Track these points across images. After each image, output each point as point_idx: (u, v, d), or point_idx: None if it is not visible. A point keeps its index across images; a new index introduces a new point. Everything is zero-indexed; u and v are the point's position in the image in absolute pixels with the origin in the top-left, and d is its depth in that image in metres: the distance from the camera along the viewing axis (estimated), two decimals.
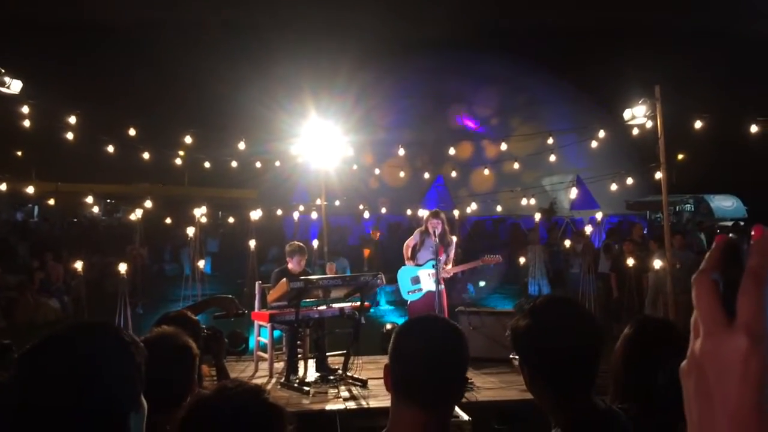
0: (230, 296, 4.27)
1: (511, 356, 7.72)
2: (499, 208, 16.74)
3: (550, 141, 11.60)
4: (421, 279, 8.16)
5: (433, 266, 7.87)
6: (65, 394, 1.39)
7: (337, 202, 15.62)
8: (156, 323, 3.38)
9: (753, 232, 0.61)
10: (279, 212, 16.72)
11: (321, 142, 11.43)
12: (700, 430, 0.60)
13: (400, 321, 10.50)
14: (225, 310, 4.19)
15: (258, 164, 13.12)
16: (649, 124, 9.22)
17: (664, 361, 2.19)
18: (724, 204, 23.05)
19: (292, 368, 7.25)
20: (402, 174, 15.67)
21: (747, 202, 23.15)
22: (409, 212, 17.89)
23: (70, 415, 1.38)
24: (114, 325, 1.68)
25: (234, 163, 12.52)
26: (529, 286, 12.76)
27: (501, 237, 22.93)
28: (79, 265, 7.95)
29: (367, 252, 16.29)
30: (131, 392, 1.50)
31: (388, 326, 10.13)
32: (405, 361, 1.82)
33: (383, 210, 18.86)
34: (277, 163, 13.03)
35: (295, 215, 16.22)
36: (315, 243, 11.86)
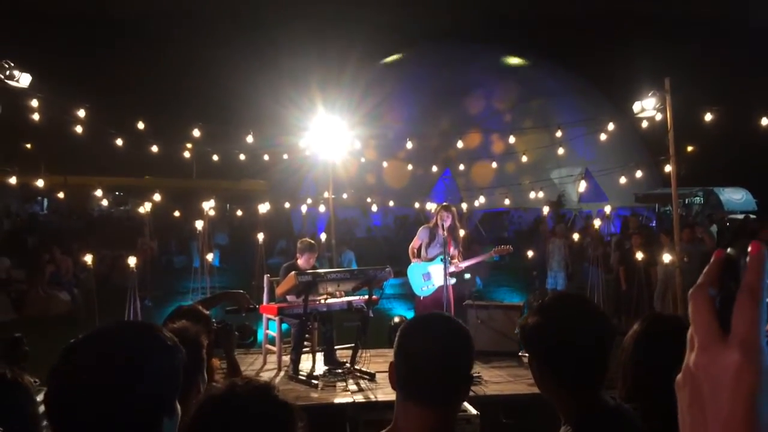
0: (242, 291, 4.30)
1: (520, 353, 7.74)
2: (507, 201, 16.73)
3: (559, 134, 11.53)
4: (433, 275, 8.06)
5: (442, 260, 7.82)
6: (105, 391, 1.38)
7: (344, 195, 15.62)
8: (169, 317, 3.41)
9: (750, 248, 0.62)
10: (287, 205, 16.74)
11: (329, 136, 11.44)
12: None
13: (408, 314, 10.52)
14: (237, 305, 4.21)
15: (266, 157, 13.15)
16: (658, 117, 9.15)
17: (674, 359, 2.18)
18: (734, 197, 22.91)
19: (298, 361, 7.28)
20: (410, 167, 15.63)
21: (757, 194, 23.02)
22: (417, 205, 17.85)
23: (106, 413, 1.38)
24: (159, 327, 1.66)
25: (242, 156, 12.54)
26: (548, 279, 12.67)
27: (510, 231, 22.95)
28: (89, 258, 7.99)
29: None
30: (169, 396, 1.49)
31: (396, 319, 10.16)
32: (410, 359, 1.82)
33: (391, 203, 18.84)
34: (285, 156, 13.07)
35: (303, 208, 16.22)
36: (323, 236, 11.87)
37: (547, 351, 1.98)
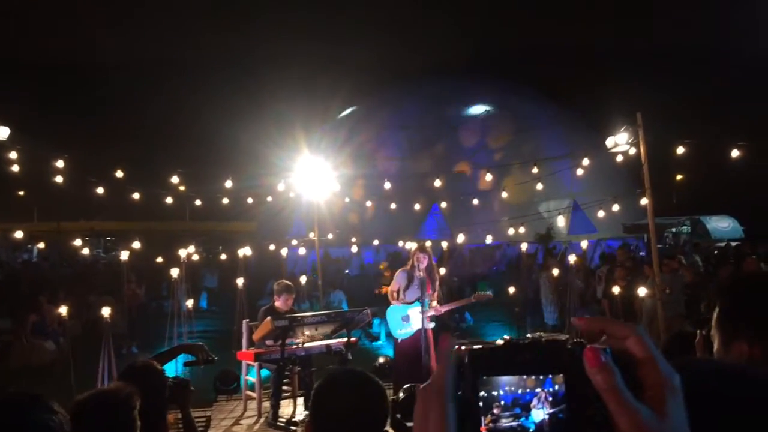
0: (200, 343, 4.30)
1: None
2: (489, 239, 16.81)
3: (535, 170, 11.66)
4: (411, 317, 7.96)
5: (421, 303, 7.78)
6: None
7: (330, 235, 15.67)
8: (120, 374, 3.42)
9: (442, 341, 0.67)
10: (272, 247, 16.76)
11: (315, 176, 11.52)
12: None
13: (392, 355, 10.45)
14: (195, 357, 4.20)
15: (249, 200, 13.25)
16: (632, 151, 9.25)
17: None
18: (721, 225, 23.05)
19: (277, 407, 7.23)
20: (394, 206, 15.67)
21: (744, 222, 23.17)
22: (401, 243, 17.86)
23: None
24: (42, 399, 1.67)
25: (225, 200, 12.62)
26: (545, 314, 12.64)
27: (502, 265, 22.96)
28: (64, 310, 8.00)
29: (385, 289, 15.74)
30: None
31: (381, 360, 10.09)
32: (323, 419, 1.85)
33: (375, 242, 18.91)
34: (269, 198, 13.16)
35: (284, 251, 16.25)
36: (303, 279, 11.88)
37: None
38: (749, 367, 1.23)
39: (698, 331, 2.00)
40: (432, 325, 8.02)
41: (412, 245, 9.63)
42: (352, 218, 22.72)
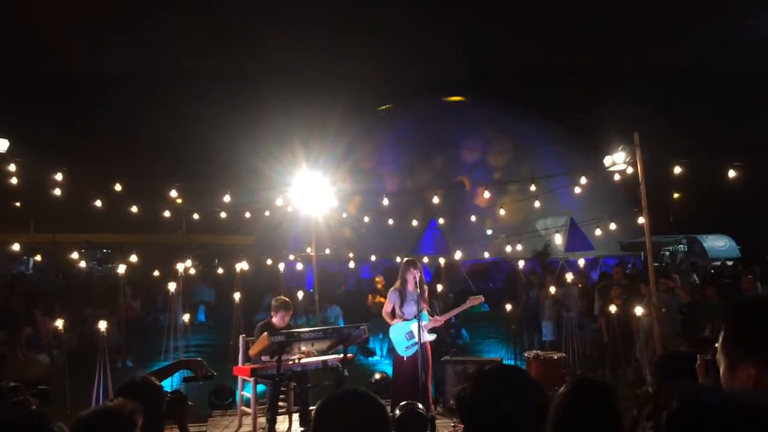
0: (199, 359, 4.29)
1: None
2: (486, 255, 16.83)
3: (533, 188, 11.72)
4: (414, 333, 7.89)
5: (421, 318, 7.77)
6: None
7: (327, 251, 15.65)
8: (118, 390, 3.41)
9: None
10: (269, 262, 16.71)
11: (314, 191, 11.53)
12: None
13: (389, 370, 10.42)
14: (194, 373, 4.19)
15: (247, 214, 13.25)
16: (629, 170, 9.30)
17: (593, 425, 2.19)
18: (717, 244, 23.11)
19: (274, 422, 7.19)
20: (391, 221, 15.67)
21: (740, 241, 23.23)
22: (398, 259, 17.85)
23: None
24: (47, 419, 1.68)
25: (223, 214, 12.62)
26: (543, 331, 12.65)
27: (498, 281, 22.97)
28: (60, 323, 7.97)
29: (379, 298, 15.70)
30: None
31: (377, 375, 10.05)
32: None
33: (373, 258, 18.89)
34: (267, 213, 13.16)
35: (281, 266, 16.22)
36: (300, 294, 11.84)
37: (482, 421, 1.98)
38: (759, 397, 1.24)
39: (698, 356, 1.97)
40: (432, 337, 8.01)
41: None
42: (349, 233, 22.72)
